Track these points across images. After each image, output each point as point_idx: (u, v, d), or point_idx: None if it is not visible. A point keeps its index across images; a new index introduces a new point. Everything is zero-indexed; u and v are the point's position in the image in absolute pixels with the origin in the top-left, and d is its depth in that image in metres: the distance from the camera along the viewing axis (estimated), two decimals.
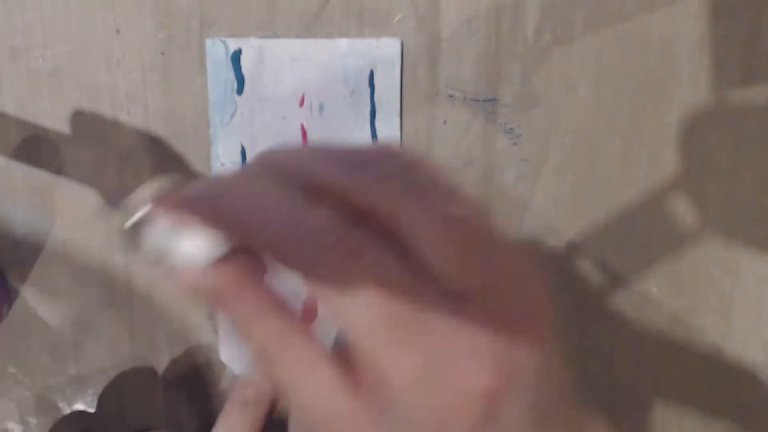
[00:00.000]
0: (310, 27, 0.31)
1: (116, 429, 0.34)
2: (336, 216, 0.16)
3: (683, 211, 0.32)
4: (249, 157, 0.31)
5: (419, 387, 0.17)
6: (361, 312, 0.16)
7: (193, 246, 0.17)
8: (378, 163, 0.16)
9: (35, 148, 0.31)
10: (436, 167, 0.18)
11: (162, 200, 0.17)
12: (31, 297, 0.33)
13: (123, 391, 0.34)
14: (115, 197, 0.28)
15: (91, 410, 0.34)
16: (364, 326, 0.16)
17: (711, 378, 0.34)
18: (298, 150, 0.17)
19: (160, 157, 0.31)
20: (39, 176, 0.31)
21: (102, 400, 0.34)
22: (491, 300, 0.17)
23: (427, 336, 0.17)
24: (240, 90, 0.31)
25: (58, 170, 0.32)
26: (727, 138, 0.32)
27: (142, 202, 0.17)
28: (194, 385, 0.34)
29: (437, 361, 0.17)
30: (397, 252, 0.16)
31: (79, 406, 0.34)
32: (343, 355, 0.17)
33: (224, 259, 0.17)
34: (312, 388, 0.18)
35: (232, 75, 0.31)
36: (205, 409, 0.34)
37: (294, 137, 0.31)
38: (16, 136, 0.31)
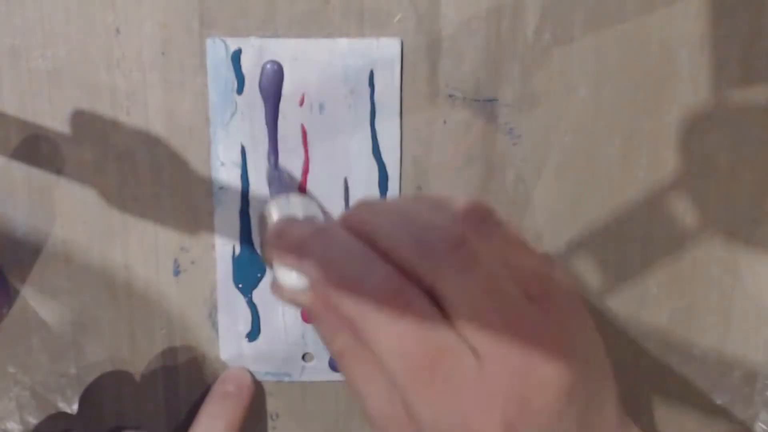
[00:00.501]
0: (310, 27, 0.31)
1: (96, 428, 0.34)
2: (393, 273, 0.20)
3: (683, 211, 0.32)
4: (249, 156, 0.31)
5: (440, 427, 0.20)
6: (395, 360, 0.20)
7: (286, 274, 0.22)
8: (440, 233, 0.20)
9: (35, 148, 0.31)
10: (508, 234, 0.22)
11: (271, 235, 0.23)
12: (31, 297, 0.33)
13: (102, 393, 0.34)
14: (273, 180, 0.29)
15: (72, 412, 0.34)
16: (396, 371, 0.20)
17: (711, 378, 0.34)
18: (374, 211, 0.22)
19: (160, 156, 0.31)
20: (39, 176, 0.31)
21: (83, 402, 0.34)
22: (508, 358, 0.20)
23: (448, 386, 0.19)
24: (240, 90, 0.31)
25: (58, 170, 0.32)
26: (727, 138, 0.32)
27: (268, 219, 0.24)
28: (194, 384, 0.34)
29: (454, 410, 0.20)
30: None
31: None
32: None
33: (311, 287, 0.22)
34: (371, 395, 0.21)
35: (232, 75, 0.31)
36: None
37: (294, 137, 0.31)
38: (15, 136, 0.31)
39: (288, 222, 0.24)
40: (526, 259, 0.22)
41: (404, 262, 0.20)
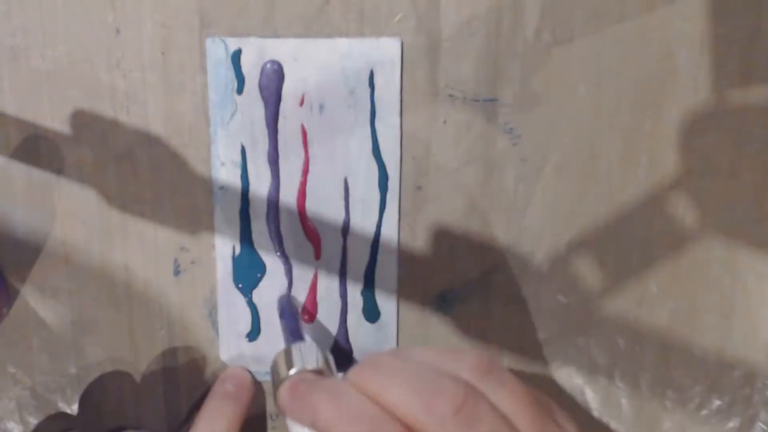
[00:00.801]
0: (310, 27, 0.31)
1: (96, 428, 0.34)
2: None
3: (683, 210, 0.32)
4: (249, 156, 0.31)
5: None
6: None
7: (299, 430, 0.24)
8: (445, 394, 0.22)
9: (35, 148, 0.31)
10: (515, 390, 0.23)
11: (285, 392, 0.25)
12: (30, 297, 0.33)
13: (102, 393, 0.34)
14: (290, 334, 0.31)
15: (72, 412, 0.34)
16: None
17: (711, 377, 0.34)
18: (382, 370, 0.23)
19: (160, 156, 0.31)
20: (39, 176, 0.31)
21: (83, 402, 0.34)
22: None
23: None
24: (240, 90, 0.31)
25: (58, 170, 0.32)
26: (727, 138, 0.32)
27: (281, 369, 0.27)
28: (194, 383, 0.34)
29: None
30: None
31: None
32: None
33: None
34: None
35: (232, 75, 0.31)
36: None
37: (294, 137, 0.31)
38: (15, 136, 0.31)
39: (300, 378, 0.26)
40: (527, 413, 0.23)
41: (412, 421, 0.22)
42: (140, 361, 0.34)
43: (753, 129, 0.32)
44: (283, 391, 0.26)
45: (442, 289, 0.33)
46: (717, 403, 0.34)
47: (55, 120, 0.31)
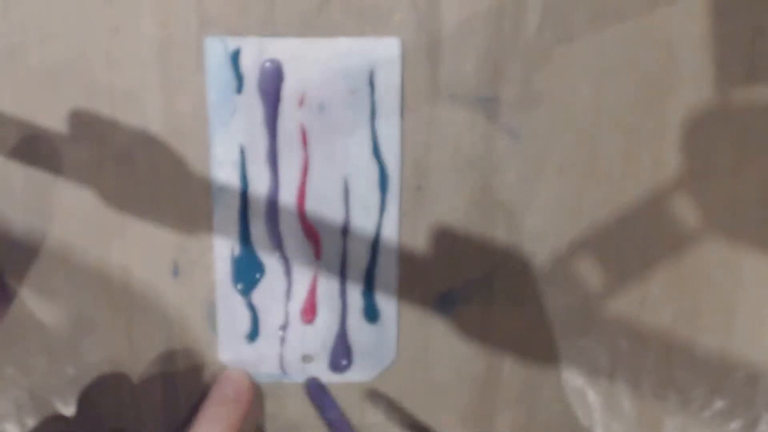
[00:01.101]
0: (310, 26, 0.30)
1: (94, 430, 0.34)
2: None
3: (686, 210, 0.32)
4: (248, 156, 0.31)
5: None
6: None
7: None
8: None
9: (33, 147, 0.31)
10: None
11: None
12: (28, 298, 0.32)
13: (100, 395, 0.34)
14: None
15: (69, 415, 0.34)
16: None
17: (714, 379, 0.34)
18: None
19: (159, 156, 0.31)
20: (36, 176, 0.31)
21: (80, 403, 0.33)
22: None
23: None
24: (239, 89, 0.31)
25: (56, 170, 0.31)
26: (730, 137, 0.31)
27: None
28: (193, 385, 0.34)
29: None
30: None
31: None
32: None
33: None
34: None
35: (231, 74, 0.31)
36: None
37: (293, 137, 0.31)
38: (13, 136, 0.31)
39: None
40: None
41: None
42: (139, 363, 0.33)
43: (756, 128, 0.31)
44: None
45: (443, 289, 0.33)
46: (719, 404, 0.34)
47: (53, 120, 0.31)
